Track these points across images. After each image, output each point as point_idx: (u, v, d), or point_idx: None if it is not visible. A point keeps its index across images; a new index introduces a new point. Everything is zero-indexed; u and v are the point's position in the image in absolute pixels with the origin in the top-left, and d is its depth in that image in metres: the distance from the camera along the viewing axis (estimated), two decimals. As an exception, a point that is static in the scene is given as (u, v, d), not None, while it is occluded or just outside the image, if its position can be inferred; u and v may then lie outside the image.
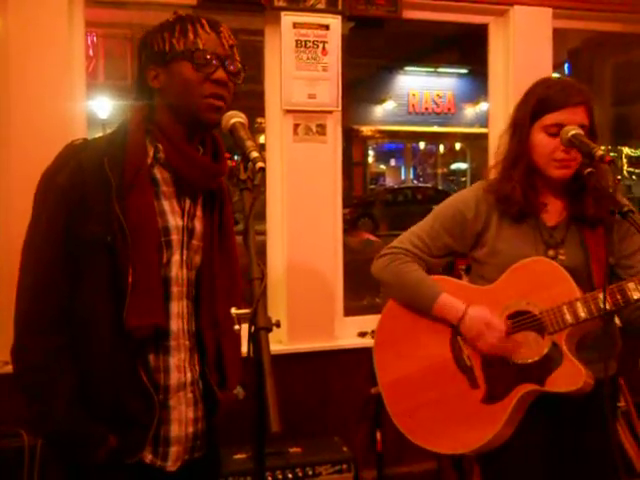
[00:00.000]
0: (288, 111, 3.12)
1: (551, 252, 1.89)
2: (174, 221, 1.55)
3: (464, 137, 21.84)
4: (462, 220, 1.96)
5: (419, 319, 1.98)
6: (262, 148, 3.15)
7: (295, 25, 3.07)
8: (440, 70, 20.64)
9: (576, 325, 1.77)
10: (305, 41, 3.09)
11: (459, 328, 1.90)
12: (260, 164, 1.25)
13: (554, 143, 1.83)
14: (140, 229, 1.47)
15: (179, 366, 1.56)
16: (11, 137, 2.78)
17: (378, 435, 3.14)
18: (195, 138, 1.58)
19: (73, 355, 1.48)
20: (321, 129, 3.16)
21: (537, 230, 1.91)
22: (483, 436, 1.85)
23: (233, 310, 1.16)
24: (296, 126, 3.13)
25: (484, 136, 3.91)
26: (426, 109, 21.03)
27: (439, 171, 23.85)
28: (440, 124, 21.29)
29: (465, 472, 3.02)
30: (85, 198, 1.47)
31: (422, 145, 23.46)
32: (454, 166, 24.01)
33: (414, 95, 20.81)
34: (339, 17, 3.14)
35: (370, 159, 22.79)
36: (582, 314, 1.76)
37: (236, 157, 1.38)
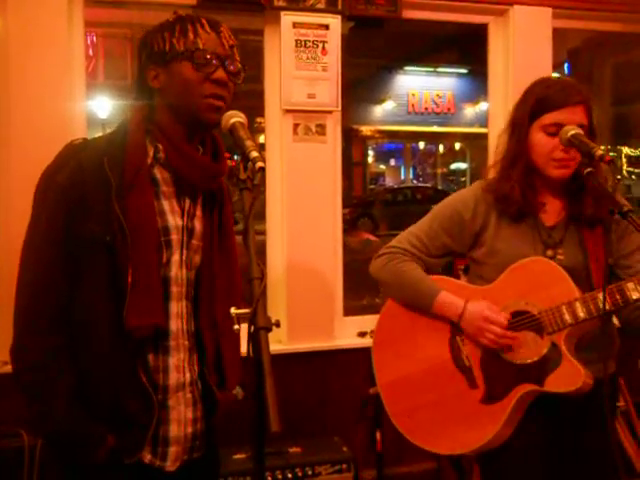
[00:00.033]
0: (288, 111, 3.12)
1: (549, 252, 1.89)
2: (174, 221, 1.55)
3: (464, 137, 21.84)
4: (460, 220, 1.96)
5: (418, 319, 1.98)
6: (262, 148, 3.15)
7: (295, 25, 3.07)
8: (440, 70, 20.65)
9: (575, 325, 1.77)
10: (305, 41, 3.09)
11: (459, 324, 1.90)
12: (260, 164, 1.25)
13: (553, 142, 1.83)
14: (140, 229, 1.47)
15: (178, 366, 1.56)
16: (11, 137, 2.78)
17: (378, 435, 3.14)
18: (195, 138, 1.58)
19: (72, 355, 1.48)
20: (321, 129, 3.16)
21: (536, 230, 1.91)
22: (482, 436, 1.85)
23: (233, 310, 1.17)
24: (296, 126, 3.13)
25: (484, 136, 3.91)
26: (426, 109, 21.04)
27: (439, 171, 23.86)
28: (440, 124, 21.29)
29: (465, 472, 3.02)
30: (85, 198, 1.47)
31: (422, 145, 23.47)
32: (454, 166, 24.01)
33: (414, 95, 20.81)
34: (339, 17, 3.14)
35: (370, 159, 22.80)
36: (581, 314, 1.76)
37: (236, 157, 1.38)
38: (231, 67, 1.52)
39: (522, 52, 3.39)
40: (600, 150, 1.71)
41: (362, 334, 3.31)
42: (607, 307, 1.72)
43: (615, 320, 1.94)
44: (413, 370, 1.99)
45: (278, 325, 1.17)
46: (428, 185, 21.46)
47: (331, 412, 3.24)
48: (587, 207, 1.87)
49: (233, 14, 3.04)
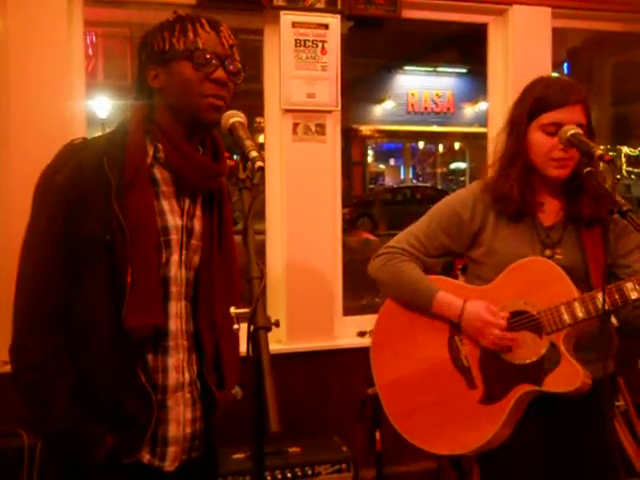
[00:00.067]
0: (287, 110, 3.12)
1: (548, 252, 1.89)
2: (173, 221, 1.55)
3: (463, 136, 21.84)
4: (459, 220, 1.96)
5: (416, 319, 1.98)
6: (261, 147, 3.16)
7: (294, 24, 3.07)
8: (439, 70, 20.64)
9: (574, 325, 1.77)
10: (304, 40, 3.09)
11: (460, 325, 1.90)
12: (259, 163, 1.25)
13: (552, 142, 1.83)
14: (139, 228, 1.47)
15: (177, 366, 1.56)
16: (11, 137, 2.78)
17: (377, 434, 3.14)
18: (195, 138, 1.58)
19: (71, 354, 1.48)
20: (320, 129, 3.16)
21: (534, 230, 1.91)
22: (481, 436, 1.85)
23: (232, 309, 1.17)
24: (295, 125, 3.13)
25: (483, 135, 3.92)
26: (425, 109, 21.03)
27: (438, 171, 23.86)
28: (439, 124, 21.29)
29: (464, 472, 3.03)
30: (84, 197, 1.47)
31: (421, 145, 23.47)
32: (453, 165, 24.02)
33: (413, 95, 20.81)
34: (338, 16, 3.14)
35: (369, 159, 22.80)
36: (580, 314, 1.76)
37: (235, 156, 1.38)
38: (231, 67, 1.52)
39: (522, 52, 3.40)
40: (600, 150, 1.71)
41: (362, 334, 3.32)
42: (606, 307, 1.72)
43: (613, 320, 1.94)
44: (412, 370, 1.99)
45: (278, 325, 1.17)
46: (428, 185, 21.46)
47: (331, 412, 3.24)
48: (585, 207, 1.87)
49: (233, 14, 3.04)
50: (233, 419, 1.73)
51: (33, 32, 2.77)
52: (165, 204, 1.55)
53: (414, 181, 23.02)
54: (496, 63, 3.52)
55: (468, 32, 4.40)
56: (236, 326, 1.17)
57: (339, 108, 3.19)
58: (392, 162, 24.06)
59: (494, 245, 1.92)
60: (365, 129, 20.79)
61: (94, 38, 14.34)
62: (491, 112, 3.61)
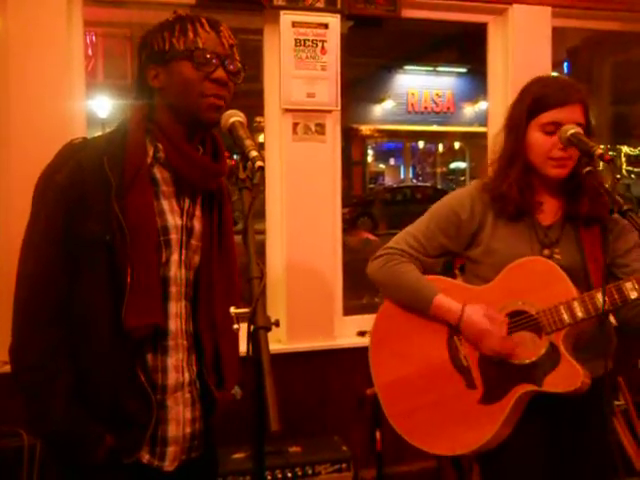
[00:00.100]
0: (287, 110, 3.12)
1: (546, 251, 1.89)
2: (173, 220, 1.55)
3: (463, 136, 21.82)
4: (457, 220, 1.95)
5: (415, 319, 1.97)
6: (261, 147, 3.16)
7: (294, 24, 3.07)
8: (439, 69, 20.62)
9: (573, 325, 1.77)
10: (304, 40, 3.09)
11: (459, 328, 1.90)
12: (259, 163, 1.25)
13: (551, 141, 1.83)
14: (139, 228, 1.47)
15: (177, 366, 1.56)
16: (11, 137, 2.78)
17: (377, 434, 3.14)
18: (195, 138, 1.58)
19: (71, 354, 1.48)
20: (320, 128, 3.16)
21: (532, 229, 1.91)
22: (481, 437, 1.85)
23: (232, 309, 1.17)
24: (295, 125, 3.13)
25: (483, 135, 3.91)
26: (425, 108, 21.01)
27: (438, 170, 23.85)
28: (439, 123, 21.27)
29: (465, 471, 3.03)
30: (84, 197, 1.47)
31: (421, 144, 23.46)
32: (453, 165, 24.01)
33: (413, 94, 20.79)
34: (338, 16, 3.14)
35: (369, 158, 22.78)
36: (579, 314, 1.76)
37: (235, 156, 1.38)
38: (231, 66, 1.52)
39: (521, 51, 3.40)
40: (600, 149, 1.71)
41: (362, 333, 3.31)
42: (605, 307, 1.72)
43: (612, 319, 1.94)
44: (411, 371, 1.98)
45: (278, 324, 1.17)
46: (427, 184, 21.45)
47: (331, 411, 3.24)
48: (583, 206, 1.87)
49: (232, 13, 3.04)
50: (233, 419, 1.73)
51: (33, 32, 2.77)
52: (165, 204, 1.55)
53: (414, 181, 23.00)
54: (496, 62, 3.52)
55: (468, 32, 4.41)
56: (236, 326, 1.17)
57: (339, 108, 3.19)
58: (392, 162, 24.05)
59: (493, 245, 1.92)
60: (365, 129, 20.77)
61: (94, 38, 14.34)
62: (491, 112, 3.61)
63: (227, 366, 1.62)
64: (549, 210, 1.93)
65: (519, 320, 1.85)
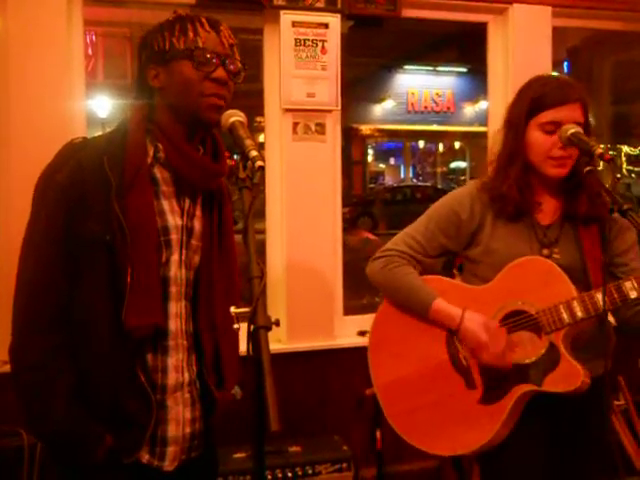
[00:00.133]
0: (287, 110, 3.11)
1: (545, 251, 1.89)
2: (173, 220, 1.55)
3: (463, 136, 21.81)
4: (457, 220, 1.95)
5: (414, 319, 1.97)
6: (261, 147, 3.16)
7: (294, 24, 3.07)
8: (439, 69, 20.60)
9: (573, 324, 1.77)
10: (304, 40, 3.09)
11: (457, 334, 1.90)
12: (259, 163, 1.25)
13: (551, 141, 1.83)
14: (139, 228, 1.47)
15: (177, 366, 1.56)
16: (11, 137, 2.78)
17: (378, 433, 3.14)
18: (195, 137, 1.58)
19: (71, 354, 1.48)
20: (320, 128, 3.16)
21: (531, 229, 1.91)
22: (481, 437, 1.85)
23: (232, 309, 1.17)
24: (295, 125, 3.13)
25: (483, 135, 3.92)
26: (425, 108, 21.00)
27: (438, 170, 23.84)
28: (439, 123, 21.26)
29: (465, 471, 3.03)
30: (84, 197, 1.47)
31: (421, 144, 23.45)
32: (453, 165, 24.00)
33: (413, 94, 20.77)
34: (338, 16, 3.14)
35: (369, 158, 22.77)
36: (579, 313, 1.76)
37: (235, 156, 1.38)
38: (231, 66, 1.52)
39: (522, 51, 3.40)
40: (600, 148, 1.71)
41: (362, 333, 3.31)
42: (605, 307, 1.72)
43: (611, 319, 1.94)
44: (410, 371, 1.98)
45: (278, 324, 1.17)
46: (428, 184, 21.43)
47: (331, 411, 3.24)
48: (582, 206, 1.87)
49: (232, 13, 3.04)
50: (233, 419, 1.73)
51: (33, 32, 2.77)
52: (165, 204, 1.55)
53: (414, 180, 22.99)
54: (496, 62, 3.52)
55: (468, 31, 4.39)
56: (236, 325, 1.17)
57: (339, 107, 3.18)
58: (392, 161, 24.05)
59: (492, 244, 1.92)
60: (365, 128, 20.76)
61: (94, 38, 14.33)
62: (491, 111, 3.60)
63: (227, 366, 1.62)
64: (548, 210, 1.93)
65: (518, 320, 1.84)
